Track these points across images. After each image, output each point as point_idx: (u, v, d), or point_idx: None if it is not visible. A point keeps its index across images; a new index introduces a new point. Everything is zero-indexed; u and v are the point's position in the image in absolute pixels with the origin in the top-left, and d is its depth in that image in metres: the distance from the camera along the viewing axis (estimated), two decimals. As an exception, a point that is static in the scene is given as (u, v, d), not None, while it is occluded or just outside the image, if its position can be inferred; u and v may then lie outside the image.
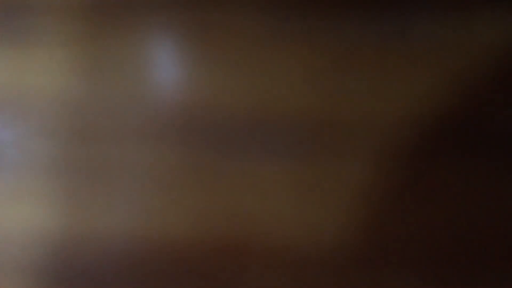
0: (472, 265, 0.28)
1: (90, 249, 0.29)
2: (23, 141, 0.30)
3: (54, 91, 0.30)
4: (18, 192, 0.30)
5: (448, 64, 0.29)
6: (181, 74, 0.30)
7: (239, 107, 0.30)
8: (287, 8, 0.30)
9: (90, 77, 0.30)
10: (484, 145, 0.28)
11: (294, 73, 0.30)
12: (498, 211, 0.28)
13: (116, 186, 0.30)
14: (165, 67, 0.30)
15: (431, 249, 0.28)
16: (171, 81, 0.30)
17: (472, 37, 0.29)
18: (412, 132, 0.29)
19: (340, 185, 0.29)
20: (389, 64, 0.29)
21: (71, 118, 0.30)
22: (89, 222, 0.30)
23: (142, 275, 0.29)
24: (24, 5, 0.31)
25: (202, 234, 0.29)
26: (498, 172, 0.28)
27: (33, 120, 0.30)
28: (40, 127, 0.30)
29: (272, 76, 0.30)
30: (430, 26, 0.29)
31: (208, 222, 0.29)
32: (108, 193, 0.30)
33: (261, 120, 0.29)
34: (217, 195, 0.29)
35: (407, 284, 0.28)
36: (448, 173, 0.28)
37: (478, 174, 0.28)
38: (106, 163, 0.30)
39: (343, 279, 0.29)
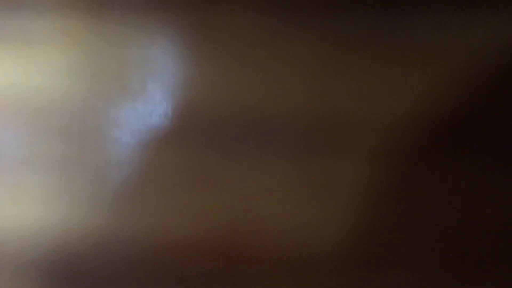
0: (472, 264, 0.28)
1: (90, 249, 0.29)
2: (23, 141, 0.30)
3: (54, 91, 0.30)
4: (18, 192, 0.30)
5: (448, 64, 0.29)
6: (181, 74, 0.30)
7: (239, 107, 0.30)
8: (287, 8, 0.30)
9: (90, 77, 0.30)
10: (484, 144, 0.28)
11: (294, 73, 0.30)
12: (498, 210, 0.28)
13: (117, 186, 0.30)
14: (165, 67, 0.30)
15: (431, 248, 0.28)
16: (171, 81, 0.30)
17: (472, 37, 0.29)
18: (412, 131, 0.29)
19: (340, 185, 0.29)
20: (389, 64, 0.29)
21: (71, 118, 0.30)
22: (90, 222, 0.30)
23: (143, 275, 0.29)
24: (24, 5, 0.31)
25: (202, 234, 0.29)
26: (498, 172, 0.28)
27: (34, 120, 0.30)
28: (41, 127, 0.30)
29: (272, 76, 0.30)
30: (430, 27, 0.29)
31: (208, 222, 0.29)
32: (109, 194, 0.30)
33: (261, 120, 0.29)
34: (218, 195, 0.29)
35: (407, 284, 0.28)
36: (448, 173, 0.28)
37: (478, 173, 0.28)
38: (107, 163, 0.30)
39: (344, 279, 0.29)
